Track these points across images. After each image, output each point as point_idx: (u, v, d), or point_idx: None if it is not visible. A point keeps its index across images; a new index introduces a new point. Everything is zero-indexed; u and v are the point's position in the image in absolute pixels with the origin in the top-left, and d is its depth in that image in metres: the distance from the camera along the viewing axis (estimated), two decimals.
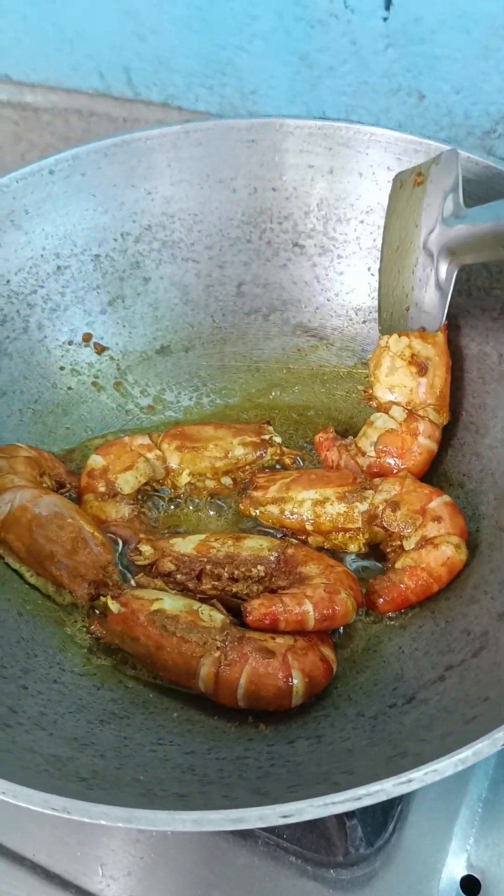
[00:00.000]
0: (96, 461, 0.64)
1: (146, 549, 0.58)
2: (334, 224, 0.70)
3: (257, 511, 0.62)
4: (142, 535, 0.60)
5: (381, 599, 0.56)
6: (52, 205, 0.67)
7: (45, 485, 0.61)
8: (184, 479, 0.64)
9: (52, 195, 0.67)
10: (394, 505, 0.58)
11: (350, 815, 0.52)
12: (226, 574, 0.56)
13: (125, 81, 0.99)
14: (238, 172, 0.69)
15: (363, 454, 0.64)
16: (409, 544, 0.58)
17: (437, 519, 0.57)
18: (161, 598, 0.54)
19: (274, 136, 0.68)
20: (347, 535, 0.59)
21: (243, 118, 0.68)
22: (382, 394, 0.65)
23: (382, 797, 0.35)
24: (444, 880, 0.53)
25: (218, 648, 0.51)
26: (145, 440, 0.65)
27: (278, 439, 0.65)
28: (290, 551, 0.57)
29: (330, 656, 0.53)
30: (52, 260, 0.68)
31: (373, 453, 0.63)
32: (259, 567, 0.56)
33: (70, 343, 0.70)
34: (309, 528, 0.60)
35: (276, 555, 0.57)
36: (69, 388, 0.69)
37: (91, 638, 0.56)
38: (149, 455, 0.64)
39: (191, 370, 0.72)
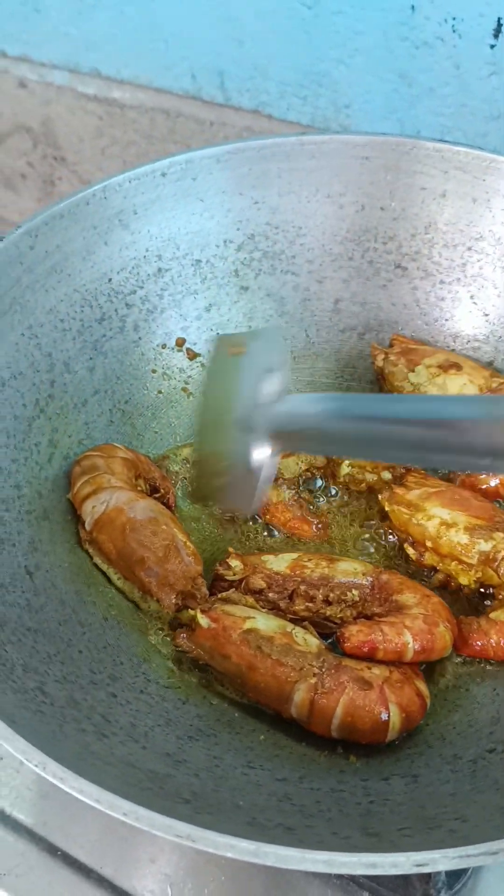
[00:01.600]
0: None
1: (235, 563, 0.57)
2: (440, 249, 0.69)
3: (392, 507, 0.61)
4: (230, 549, 0.59)
5: (460, 641, 0.55)
6: (160, 207, 0.66)
7: (139, 488, 0.61)
8: (344, 469, 0.63)
9: (162, 197, 0.66)
10: None
11: None
12: (320, 596, 0.55)
13: (217, 85, 0.98)
14: (348, 188, 0.68)
15: None
16: None
17: None
18: (254, 617, 0.53)
19: (389, 154, 0.67)
20: (461, 566, 0.57)
21: (358, 134, 0.67)
22: None
23: None
24: None
25: (315, 675, 0.49)
26: None
27: None
28: (384, 577, 0.56)
29: (424, 691, 0.51)
30: (154, 262, 0.67)
31: None
32: (354, 591, 0.55)
33: (163, 346, 0.69)
34: (428, 544, 0.59)
35: (371, 580, 0.56)
36: (159, 392, 0.68)
37: (176, 651, 0.55)
38: None
39: None
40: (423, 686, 0.51)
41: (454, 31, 0.82)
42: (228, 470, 0.51)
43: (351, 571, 0.56)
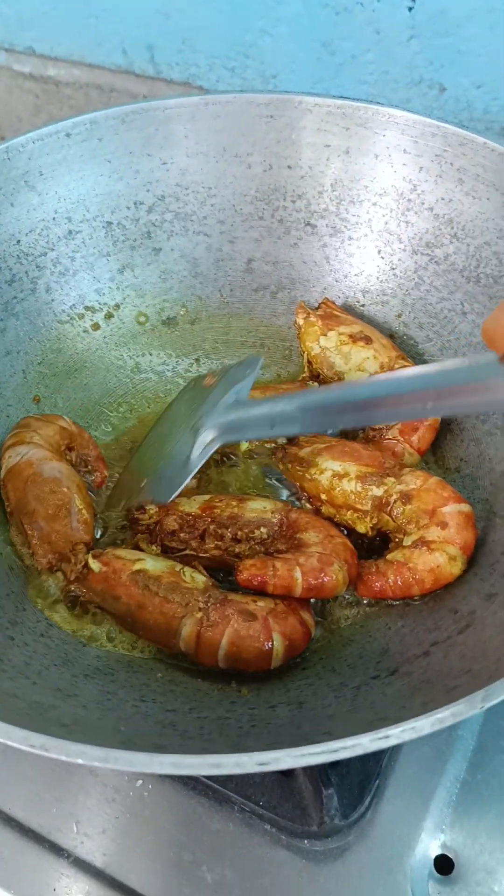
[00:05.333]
0: None
1: (151, 507, 0.59)
2: (347, 205, 0.70)
3: (286, 466, 0.62)
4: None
5: (360, 584, 0.56)
6: (66, 168, 0.67)
7: (66, 457, 0.62)
8: (243, 445, 0.64)
9: (68, 158, 0.67)
10: (406, 498, 0.57)
11: (327, 784, 0.52)
12: (229, 534, 0.56)
13: (148, 59, 0.99)
14: (255, 148, 0.69)
15: (387, 428, 0.63)
16: (407, 541, 0.57)
17: (443, 525, 0.55)
18: (143, 559, 0.55)
19: (292, 112, 0.68)
20: (356, 514, 0.59)
21: (262, 93, 0.68)
22: (355, 379, 0.66)
23: (359, 751, 0.35)
24: (418, 858, 0.54)
25: (200, 609, 0.51)
26: None
27: None
28: (293, 515, 0.58)
29: (309, 620, 0.53)
30: (63, 224, 0.68)
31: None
32: (262, 529, 0.56)
33: (77, 307, 0.70)
34: (323, 497, 0.60)
35: (280, 517, 0.57)
36: (74, 352, 0.69)
37: (70, 598, 0.56)
38: None
39: (195, 342, 0.72)
40: (307, 615, 0.53)
41: None
42: (166, 465, 0.57)
43: (259, 510, 0.58)
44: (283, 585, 0.52)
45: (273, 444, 0.64)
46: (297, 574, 0.52)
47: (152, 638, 0.53)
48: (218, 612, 0.50)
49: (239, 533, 0.57)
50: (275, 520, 0.57)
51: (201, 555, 0.57)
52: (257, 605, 0.51)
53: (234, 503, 0.58)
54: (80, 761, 0.35)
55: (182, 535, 0.57)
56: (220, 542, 0.57)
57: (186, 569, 0.54)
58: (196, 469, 0.55)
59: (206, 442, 0.54)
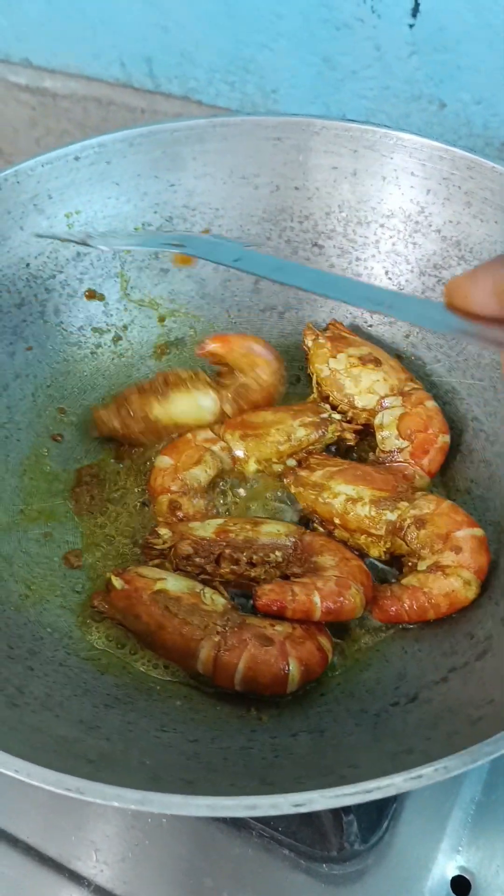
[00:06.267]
0: (164, 461, 0.64)
1: (164, 532, 0.59)
2: (354, 226, 0.70)
3: (298, 490, 0.62)
4: (160, 519, 0.61)
5: (376, 608, 0.56)
6: (75, 191, 0.67)
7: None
8: (251, 466, 0.64)
9: (76, 181, 0.67)
10: (420, 522, 0.57)
11: (347, 810, 0.52)
12: (244, 559, 0.56)
13: (146, 72, 0.99)
14: (262, 169, 0.70)
15: (398, 451, 0.64)
16: (422, 565, 0.57)
17: (457, 549, 0.56)
18: (165, 578, 0.55)
19: (300, 135, 0.68)
20: (370, 538, 0.59)
21: (269, 115, 0.68)
22: (365, 401, 0.66)
23: (392, 791, 0.36)
24: (435, 879, 0.54)
25: (218, 633, 0.51)
26: (208, 434, 0.65)
27: (337, 416, 0.66)
28: (307, 538, 0.58)
29: (326, 646, 0.53)
30: (72, 246, 0.68)
31: (403, 443, 0.63)
32: (277, 552, 0.57)
33: (85, 329, 0.70)
34: (336, 521, 0.60)
35: (294, 540, 0.57)
36: (83, 375, 0.69)
37: (94, 612, 0.57)
38: (214, 448, 0.64)
39: (204, 363, 0.72)
40: (325, 641, 0.53)
41: (373, 12, 0.83)
42: None
43: (274, 533, 0.58)
44: (303, 610, 0.52)
45: (282, 467, 0.64)
46: (316, 598, 0.53)
47: (171, 658, 0.53)
48: (235, 636, 0.51)
49: (254, 557, 0.57)
50: (289, 543, 0.58)
51: (217, 579, 0.57)
52: (275, 630, 0.52)
53: (248, 527, 0.59)
54: (115, 804, 0.35)
55: (197, 559, 0.57)
56: (235, 567, 0.57)
57: (207, 590, 0.55)
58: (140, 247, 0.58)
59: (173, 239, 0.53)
